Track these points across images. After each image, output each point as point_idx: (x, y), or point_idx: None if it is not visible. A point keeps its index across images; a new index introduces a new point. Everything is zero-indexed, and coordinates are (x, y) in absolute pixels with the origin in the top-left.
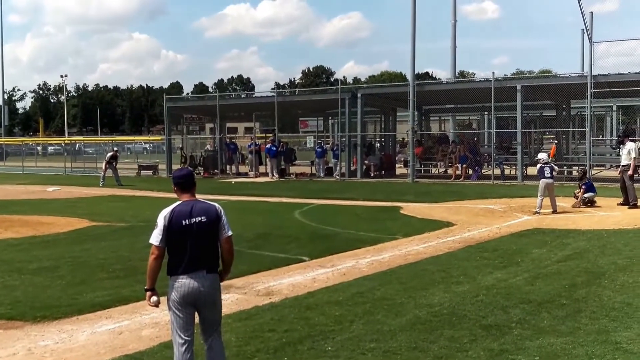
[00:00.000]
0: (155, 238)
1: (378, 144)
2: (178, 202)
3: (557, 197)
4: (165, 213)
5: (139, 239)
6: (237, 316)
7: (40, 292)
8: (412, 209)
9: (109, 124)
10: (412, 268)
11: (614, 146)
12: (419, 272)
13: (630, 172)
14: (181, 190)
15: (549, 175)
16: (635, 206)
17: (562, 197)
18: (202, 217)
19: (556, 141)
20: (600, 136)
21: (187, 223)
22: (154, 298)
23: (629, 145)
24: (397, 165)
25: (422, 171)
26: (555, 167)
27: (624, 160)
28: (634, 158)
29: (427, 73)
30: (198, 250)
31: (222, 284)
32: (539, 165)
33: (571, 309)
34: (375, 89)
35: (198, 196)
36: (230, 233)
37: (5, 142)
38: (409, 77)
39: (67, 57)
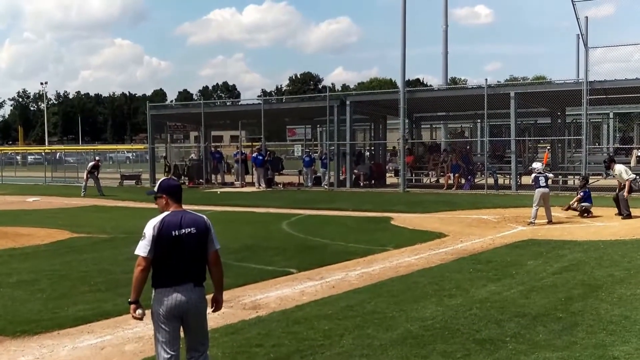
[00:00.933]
0: (143, 249)
1: (368, 153)
2: (166, 213)
3: (552, 207)
4: (154, 223)
5: (121, 251)
6: (223, 330)
7: (20, 306)
8: (403, 219)
9: (90, 132)
10: (403, 280)
11: (611, 154)
12: (411, 284)
13: (625, 193)
14: (173, 200)
15: (544, 184)
16: (629, 216)
17: (558, 207)
18: (192, 229)
19: (549, 147)
20: (597, 144)
21: (177, 234)
22: (139, 311)
23: (618, 168)
24: (387, 175)
25: (413, 181)
26: (550, 175)
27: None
28: (628, 179)
29: (418, 80)
30: (186, 262)
31: (207, 296)
32: (533, 175)
33: (567, 323)
34: (364, 96)
35: (183, 206)
36: (218, 246)
37: None
38: (399, 83)
39: (47, 63)
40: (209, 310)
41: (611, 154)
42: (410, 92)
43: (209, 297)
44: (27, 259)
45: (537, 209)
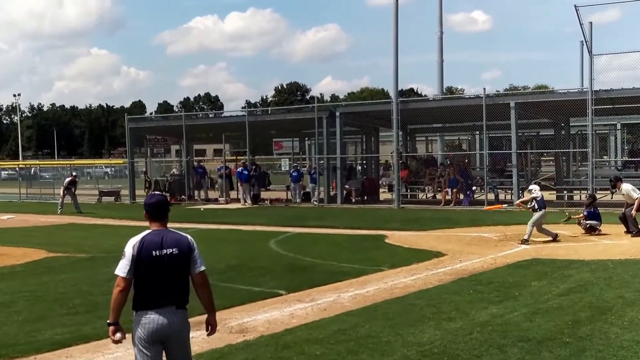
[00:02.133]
0: (122, 269)
1: (359, 167)
2: (147, 231)
3: (557, 224)
4: (133, 242)
5: (100, 271)
6: (208, 355)
7: None
8: (398, 237)
9: (66, 146)
10: (399, 303)
11: (619, 168)
12: (407, 307)
13: (634, 211)
14: (152, 218)
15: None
16: (639, 234)
17: (565, 225)
18: (174, 249)
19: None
20: (604, 157)
21: (158, 254)
22: (118, 334)
23: (625, 187)
24: (380, 190)
25: (409, 196)
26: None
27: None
28: (638, 198)
29: (412, 89)
30: (168, 284)
31: (191, 320)
32: (536, 196)
33: (574, 348)
34: (355, 107)
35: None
36: (203, 268)
37: None
38: (391, 94)
39: (20, 74)
40: (197, 333)
41: (619, 168)
42: (404, 103)
43: (197, 319)
44: (2, 279)
45: (533, 228)
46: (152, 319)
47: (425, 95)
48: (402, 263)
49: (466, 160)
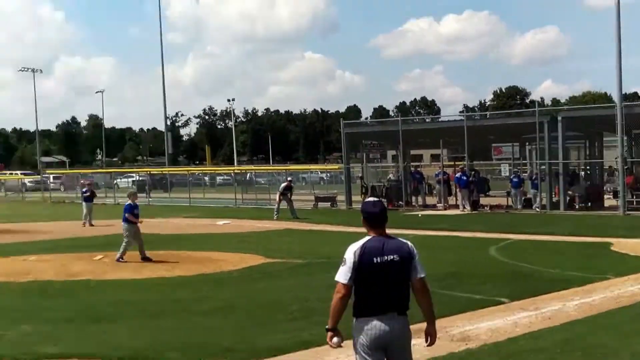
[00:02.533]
0: (343, 275)
1: (582, 173)
2: (367, 237)
3: None
4: (355, 248)
5: (316, 277)
6: None
7: (213, 335)
8: (625, 245)
9: (281, 151)
10: (626, 312)
11: None
12: (635, 316)
13: None
14: (370, 225)
15: None
16: None
17: None
18: (395, 256)
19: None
20: None
21: (379, 261)
22: (336, 339)
23: None
24: (605, 196)
25: (635, 203)
26: None
27: None
28: None
29: (635, 93)
30: (389, 290)
31: (411, 327)
32: None
33: None
34: (577, 112)
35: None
36: (423, 274)
37: (170, 172)
38: (615, 97)
39: (234, 79)
40: (419, 341)
41: None
42: (628, 107)
43: (417, 327)
44: (220, 285)
45: None
46: (374, 326)
47: None
48: (629, 271)
49: None
